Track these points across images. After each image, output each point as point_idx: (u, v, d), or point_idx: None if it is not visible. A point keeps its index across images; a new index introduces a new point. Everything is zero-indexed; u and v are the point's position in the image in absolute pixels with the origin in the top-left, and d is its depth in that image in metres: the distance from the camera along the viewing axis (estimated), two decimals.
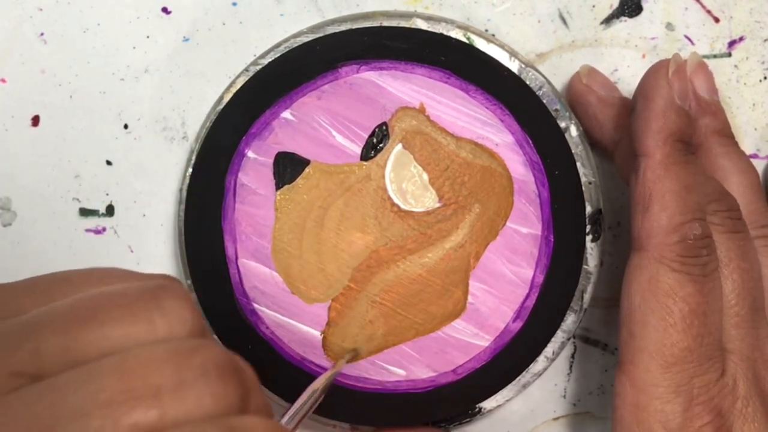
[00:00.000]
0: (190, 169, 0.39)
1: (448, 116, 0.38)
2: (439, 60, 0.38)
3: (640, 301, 0.33)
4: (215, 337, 0.38)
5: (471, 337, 0.39)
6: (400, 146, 0.38)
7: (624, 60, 0.39)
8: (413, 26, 0.38)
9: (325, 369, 0.39)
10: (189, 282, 0.38)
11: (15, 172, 0.40)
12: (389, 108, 0.38)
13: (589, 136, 0.38)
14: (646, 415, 0.33)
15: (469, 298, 0.39)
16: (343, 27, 0.38)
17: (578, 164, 0.38)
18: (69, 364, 0.23)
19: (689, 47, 0.39)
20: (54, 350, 0.23)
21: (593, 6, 0.39)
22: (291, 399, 0.37)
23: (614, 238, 0.40)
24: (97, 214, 0.40)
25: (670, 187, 0.33)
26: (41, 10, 0.39)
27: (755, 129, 0.40)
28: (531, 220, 0.38)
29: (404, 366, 0.39)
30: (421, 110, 0.38)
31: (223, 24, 0.39)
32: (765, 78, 0.40)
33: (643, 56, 0.39)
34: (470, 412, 0.39)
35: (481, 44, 0.38)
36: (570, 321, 0.38)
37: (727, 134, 0.37)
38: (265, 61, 0.38)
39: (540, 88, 0.38)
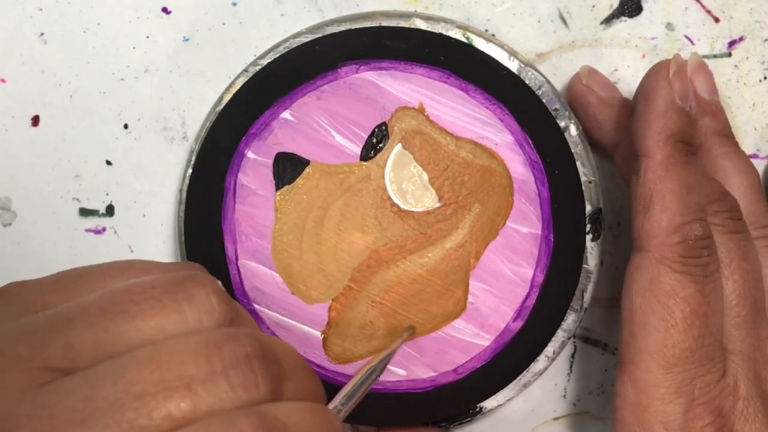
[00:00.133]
0: (190, 170, 0.38)
1: (447, 116, 0.38)
2: (438, 60, 0.38)
3: (641, 301, 0.33)
4: None
5: (471, 336, 0.39)
6: (399, 146, 0.38)
7: (624, 60, 0.39)
8: (413, 26, 0.38)
9: (325, 369, 0.39)
10: None
11: (15, 172, 0.40)
12: (389, 108, 0.38)
13: (589, 137, 0.38)
14: (647, 416, 0.33)
15: (470, 298, 0.39)
16: (343, 27, 0.38)
17: (578, 163, 0.38)
18: (101, 357, 0.24)
19: (689, 47, 0.39)
20: (86, 344, 0.24)
21: (593, 6, 0.39)
22: None
23: (614, 238, 0.40)
24: (97, 214, 0.40)
25: (671, 188, 0.33)
26: (41, 10, 0.39)
27: (755, 129, 0.40)
28: (531, 219, 0.38)
29: (404, 366, 0.39)
30: (421, 110, 0.38)
31: (223, 24, 0.39)
32: (765, 78, 0.40)
33: (643, 56, 0.39)
34: (471, 412, 0.39)
35: (480, 44, 0.38)
36: (570, 320, 0.38)
37: (727, 134, 0.37)
38: (265, 62, 0.38)
39: (539, 88, 0.38)
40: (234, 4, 0.39)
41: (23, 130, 0.40)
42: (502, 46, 0.38)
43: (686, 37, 0.39)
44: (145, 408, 0.22)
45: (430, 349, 0.39)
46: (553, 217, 0.38)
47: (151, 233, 0.40)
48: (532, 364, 0.39)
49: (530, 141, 0.38)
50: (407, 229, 0.38)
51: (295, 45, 0.38)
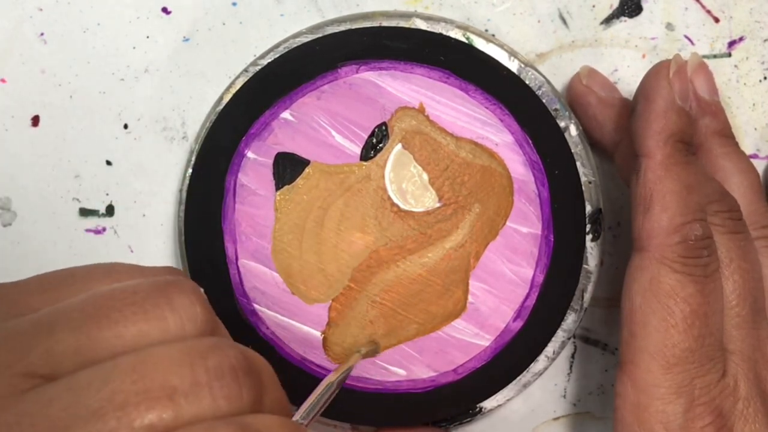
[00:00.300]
0: (190, 170, 0.38)
1: (447, 116, 0.38)
2: (438, 60, 0.38)
3: (641, 301, 0.33)
4: None
5: (471, 336, 0.39)
6: (399, 146, 0.38)
7: (624, 60, 0.39)
8: (413, 26, 0.38)
9: (325, 369, 0.39)
10: None
11: (15, 172, 0.40)
12: (389, 108, 0.38)
13: (589, 137, 0.38)
14: (647, 416, 0.33)
15: (470, 298, 0.39)
16: (343, 27, 0.38)
17: (578, 164, 0.38)
18: (83, 364, 0.23)
19: (689, 47, 0.39)
20: (67, 350, 0.23)
21: (593, 6, 0.39)
22: (291, 399, 0.37)
23: (614, 238, 0.40)
24: (97, 214, 0.40)
25: (671, 188, 0.33)
26: (41, 10, 0.39)
27: (755, 129, 0.40)
28: (531, 219, 0.38)
29: (404, 366, 0.39)
30: (421, 110, 0.38)
31: (223, 24, 0.39)
32: (765, 78, 0.40)
33: (643, 56, 0.39)
34: (471, 412, 0.39)
35: (480, 44, 0.38)
36: (570, 320, 0.38)
37: (727, 134, 0.37)
38: (265, 62, 0.38)
39: (539, 88, 0.38)
40: (234, 4, 0.39)
41: (23, 130, 0.40)
42: (502, 46, 0.38)
43: (686, 37, 0.39)
44: (127, 418, 0.22)
45: (430, 349, 0.39)
46: (553, 217, 0.38)
47: (151, 233, 0.40)
48: (532, 364, 0.39)
49: (530, 141, 0.38)
50: (407, 229, 0.38)
51: (295, 45, 0.38)
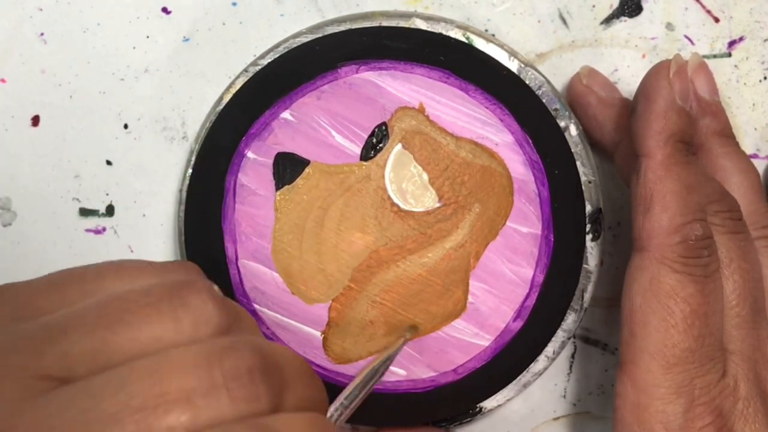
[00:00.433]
0: (190, 170, 0.38)
1: (447, 116, 0.38)
2: (438, 60, 0.38)
3: (641, 301, 0.33)
4: None
5: (471, 336, 0.39)
6: (399, 146, 0.38)
7: (624, 60, 0.39)
8: (412, 26, 0.38)
9: (325, 369, 0.39)
10: None
11: (15, 172, 0.40)
12: (389, 108, 0.38)
13: (589, 137, 0.38)
14: (647, 416, 0.33)
15: (470, 298, 0.39)
16: (343, 27, 0.38)
17: (578, 163, 0.38)
18: (98, 368, 0.23)
19: (689, 47, 0.39)
20: (83, 353, 0.23)
21: (593, 6, 0.39)
22: None
23: (614, 238, 0.40)
24: (97, 214, 0.40)
25: (671, 188, 0.33)
26: (41, 10, 0.39)
27: (755, 129, 0.40)
28: (531, 219, 0.38)
29: (405, 366, 0.39)
30: (421, 110, 0.38)
31: (223, 24, 0.39)
32: (765, 78, 0.40)
33: (643, 56, 0.39)
34: (471, 412, 0.39)
35: (480, 44, 0.38)
36: (570, 320, 0.38)
37: (727, 134, 0.37)
38: (265, 62, 0.38)
39: (539, 88, 0.38)
40: (234, 4, 0.39)
41: (23, 130, 0.40)
42: (502, 46, 0.38)
43: (686, 37, 0.39)
44: (145, 421, 0.22)
45: (430, 349, 0.39)
46: (553, 217, 0.38)
47: (151, 233, 0.40)
48: (532, 364, 0.39)
49: (530, 141, 0.38)
50: (407, 229, 0.38)
51: (295, 45, 0.38)
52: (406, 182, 0.38)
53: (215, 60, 0.39)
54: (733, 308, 0.34)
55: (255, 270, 0.39)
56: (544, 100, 0.38)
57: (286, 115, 0.38)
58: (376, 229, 0.38)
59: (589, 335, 0.40)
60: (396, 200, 0.38)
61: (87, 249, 0.40)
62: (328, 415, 0.31)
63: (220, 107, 0.38)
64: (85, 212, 0.40)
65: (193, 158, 0.38)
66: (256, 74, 0.38)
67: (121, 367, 0.23)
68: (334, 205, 0.38)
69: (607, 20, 0.39)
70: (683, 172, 0.33)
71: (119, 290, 0.25)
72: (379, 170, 0.38)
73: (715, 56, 0.39)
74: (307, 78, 0.38)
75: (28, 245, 0.40)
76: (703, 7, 0.39)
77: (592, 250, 0.38)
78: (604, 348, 0.40)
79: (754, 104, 0.40)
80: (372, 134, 0.38)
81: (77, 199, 0.40)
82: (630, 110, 0.35)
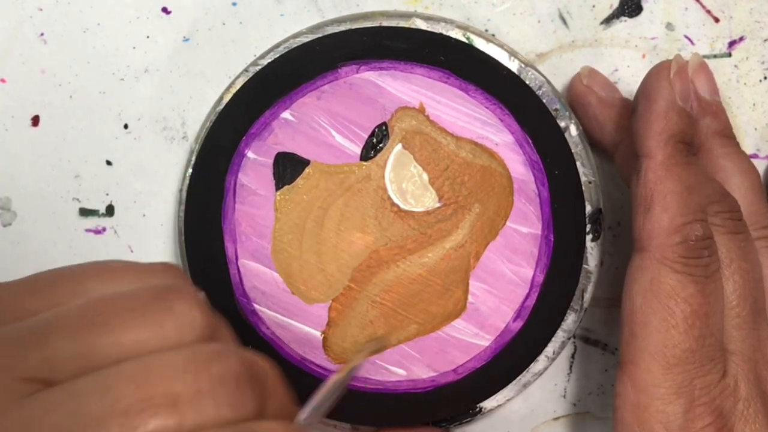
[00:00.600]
0: (190, 170, 0.38)
1: (447, 116, 0.38)
2: (438, 60, 0.38)
3: (641, 301, 0.33)
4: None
5: (471, 336, 0.39)
6: (399, 146, 0.38)
7: (624, 60, 0.39)
8: (413, 26, 0.38)
9: (326, 369, 0.39)
10: None
11: (15, 172, 0.40)
12: (389, 108, 0.38)
13: (589, 137, 0.38)
14: (647, 416, 0.33)
15: (470, 298, 0.39)
16: (343, 27, 0.38)
17: (578, 163, 0.38)
18: (82, 371, 0.23)
19: (689, 47, 0.39)
20: (67, 356, 0.23)
21: (593, 6, 0.39)
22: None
23: (614, 238, 0.40)
24: (97, 214, 0.40)
25: (672, 188, 0.33)
26: (41, 10, 0.39)
27: (755, 129, 0.40)
28: (531, 219, 0.38)
29: (405, 366, 0.39)
30: (421, 110, 0.38)
31: (223, 24, 0.39)
32: (765, 78, 0.40)
33: (643, 56, 0.39)
34: (471, 412, 0.39)
35: (480, 44, 0.38)
36: (570, 320, 0.38)
37: (728, 135, 0.37)
38: (265, 62, 0.38)
39: (539, 88, 0.38)
40: (234, 4, 0.39)
41: (23, 130, 0.39)
42: (502, 46, 0.38)
43: (686, 37, 0.39)
44: (130, 424, 0.22)
45: (430, 349, 0.39)
46: (553, 217, 0.38)
47: (151, 233, 0.40)
48: (532, 364, 0.39)
49: (530, 141, 0.38)
50: (407, 229, 0.38)
51: (295, 45, 0.38)
52: (406, 182, 0.38)
53: (215, 60, 0.39)
54: (734, 309, 0.34)
55: (255, 270, 0.39)
56: (544, 100, 0.38)
57: (286, 115, 0.38)
58: (376, 229, 0.38)
59: (589, 335, 0.40)
60: (396, 200, 0.38)
61: (87, 249, 0.40)
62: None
63: (220, 107, 0.38)
64: (85, 212, 0.40)
65: (193, 158, 0.38)
66: (256, 74, 0.38)
67: (106, 370, 0.23)
68: (334, 205, 0.38)
69: (607, 20, 0.39)
70: (684, 172, 0.33)
71: (104, 292, 0.25)
72: (379, 170, 0.38)
73: (715, 56, 0.39)
74: (308, 78, 0.38)
75: (28, 245, 0.40)
76: (703, 7, 0.39)
77: (592, 250, 0.38)
78: (604, 348, 0.40)
79: (754, 104, 0.40)
80: (372, 134, 0.38)
81: (77, 199, 0.40)
82: (630, 110, 0.35)
